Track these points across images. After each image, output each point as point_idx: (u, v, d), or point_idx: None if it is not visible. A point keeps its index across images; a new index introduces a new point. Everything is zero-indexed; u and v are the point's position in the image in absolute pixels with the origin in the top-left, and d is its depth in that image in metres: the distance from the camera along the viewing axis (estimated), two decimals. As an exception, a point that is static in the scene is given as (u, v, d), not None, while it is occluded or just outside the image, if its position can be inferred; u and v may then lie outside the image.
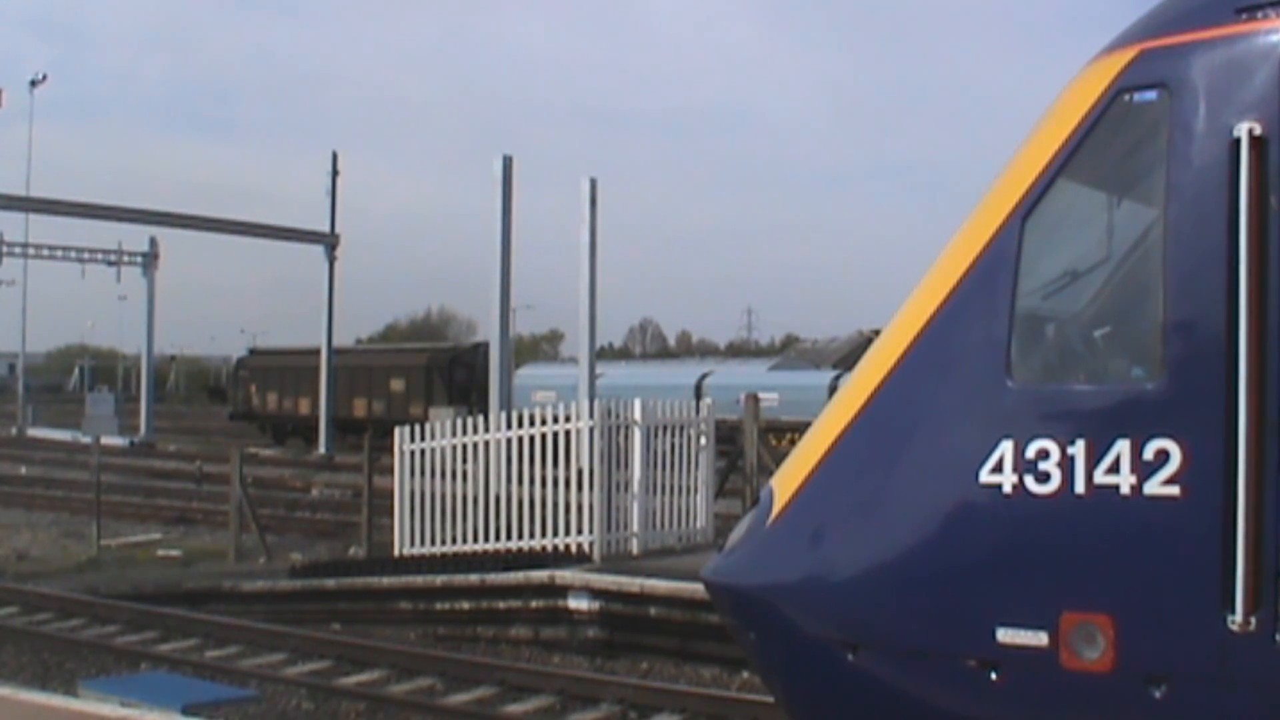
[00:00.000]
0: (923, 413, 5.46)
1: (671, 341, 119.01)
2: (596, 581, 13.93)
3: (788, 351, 60.95)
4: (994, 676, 5.07)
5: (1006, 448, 5.07)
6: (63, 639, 14.34)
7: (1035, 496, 5.00)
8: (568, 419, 15.66)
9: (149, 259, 51.25)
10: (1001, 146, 5.53)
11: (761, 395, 21.22)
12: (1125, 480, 4.84)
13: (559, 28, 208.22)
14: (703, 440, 16.21)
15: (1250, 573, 4.61)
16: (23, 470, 37.04)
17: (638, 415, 15.47)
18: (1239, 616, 4.62)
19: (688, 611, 12.82)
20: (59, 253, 49.92)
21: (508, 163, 29.51)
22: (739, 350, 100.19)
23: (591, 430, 15.25)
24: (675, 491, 15.95)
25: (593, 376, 30.58)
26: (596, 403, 15.85)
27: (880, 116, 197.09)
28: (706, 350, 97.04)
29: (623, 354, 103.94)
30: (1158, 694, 4.79)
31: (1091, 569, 4.92)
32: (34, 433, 54.59)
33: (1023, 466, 5.03)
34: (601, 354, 43.88)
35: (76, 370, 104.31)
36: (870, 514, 5.54)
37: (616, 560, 14.96)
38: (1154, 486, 4.79)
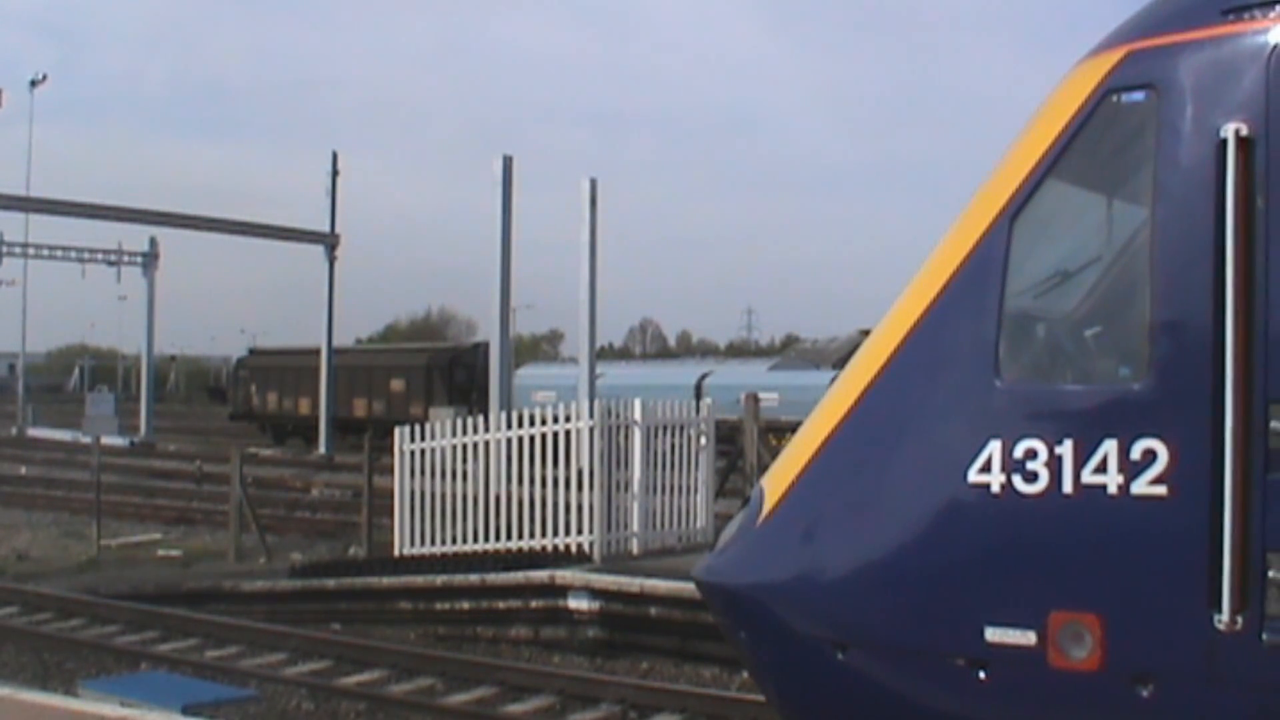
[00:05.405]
0: (911, 413, 5.48)
1: (671, 341, 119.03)
2: (596, 581, 13.96)
3: (788, 351, 60.85)
4: (982, 675, 5.09)
5: (995, 447, 5.09)
6: (63, 639, 14.37)
7: (1023, 496, 5.02)
8: (568, 419, 15.68)
9: (149, 259, 51.26)
10: (1001, 147, 5.53)
11: (761, 395, 21.24)
12: (1112, 480, 4.85)
13: (559, 29, 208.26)
14: (703, 440, 16.22)
15: (1237, 572, 4.62)
16: (23, 470, 37.00)
17: (638, 415, 15.49)
18: (1226, 616, 4.64)
19: (688, 611, 12.82)
20: (59, 253, 49.92)
21: (508, 163, 29.52)
22: (739, 350, 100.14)
23: (591, 430, 15.28)
24: (675, 491, 15.96)
25: (593, 376, 30.55)
26: (596, 403, 15.87)
27: (880, 117, 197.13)
28: (706, 350, 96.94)
29: (623, 354, 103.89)
30: (1145, 693, 4.81)
31: (1079, 568, 4.94)
32: (34, 433, 54.48)
33: (1011, 466, 5.05)
34: (601, 354, 43.83)
35: (76, 370, 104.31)
36: (860, 513, 5.56)
37: (616, 560, 14.98)
38: (1141, 486, 4.81)
